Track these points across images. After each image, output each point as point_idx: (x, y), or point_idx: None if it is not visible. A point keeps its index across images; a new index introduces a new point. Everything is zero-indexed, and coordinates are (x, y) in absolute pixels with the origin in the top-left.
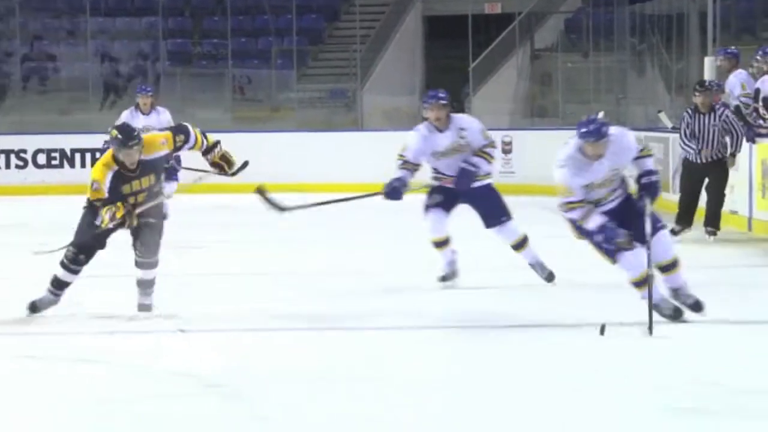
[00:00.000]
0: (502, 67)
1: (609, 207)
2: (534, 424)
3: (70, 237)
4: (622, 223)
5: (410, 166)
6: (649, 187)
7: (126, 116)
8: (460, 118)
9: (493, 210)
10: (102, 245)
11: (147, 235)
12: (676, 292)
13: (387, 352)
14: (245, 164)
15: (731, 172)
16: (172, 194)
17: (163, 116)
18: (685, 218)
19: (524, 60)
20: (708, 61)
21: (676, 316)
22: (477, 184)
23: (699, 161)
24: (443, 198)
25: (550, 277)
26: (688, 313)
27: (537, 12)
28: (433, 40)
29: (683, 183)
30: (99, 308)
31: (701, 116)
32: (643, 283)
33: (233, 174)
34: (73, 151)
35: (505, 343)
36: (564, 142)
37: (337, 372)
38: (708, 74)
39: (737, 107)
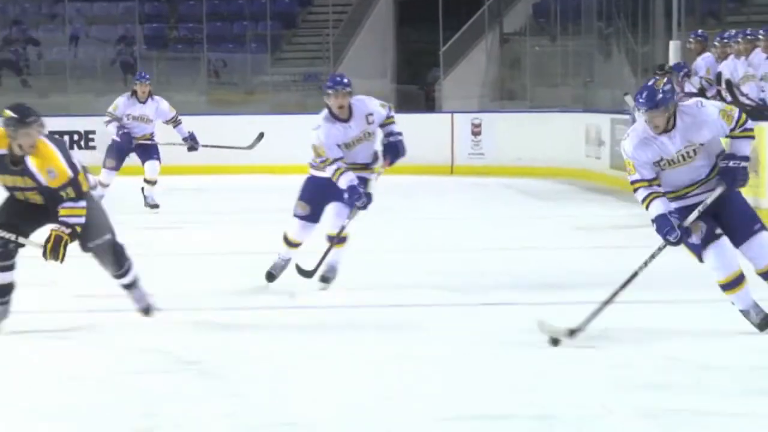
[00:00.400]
0: (471, 51)
1: (699, 199)
2: (502, 400)
3: None
4: (716, 219)
5: (342, 167)
6: (726, 173)
7: (122, 103)
8: (362, 103)
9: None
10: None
11: (103, 257)
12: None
13: (365, 330)
14: (261, 135)
15: None
16: (156, 177)
17: (162, 104)
18: None
19: (493, 44)
20: (673, 44)
21: (763, 324)
22: (367, 174)
23: None
24: (312, 207)
25: (324, 279)
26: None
27: None
28: (404, 25)
29: None
30: (75, 287)
31: None
32: (733, 285)
33: (250, 147)
34: (51, 133)
35: (481, 321)
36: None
37: (314, 350)
38: (673, 58)
39: (701, 88)
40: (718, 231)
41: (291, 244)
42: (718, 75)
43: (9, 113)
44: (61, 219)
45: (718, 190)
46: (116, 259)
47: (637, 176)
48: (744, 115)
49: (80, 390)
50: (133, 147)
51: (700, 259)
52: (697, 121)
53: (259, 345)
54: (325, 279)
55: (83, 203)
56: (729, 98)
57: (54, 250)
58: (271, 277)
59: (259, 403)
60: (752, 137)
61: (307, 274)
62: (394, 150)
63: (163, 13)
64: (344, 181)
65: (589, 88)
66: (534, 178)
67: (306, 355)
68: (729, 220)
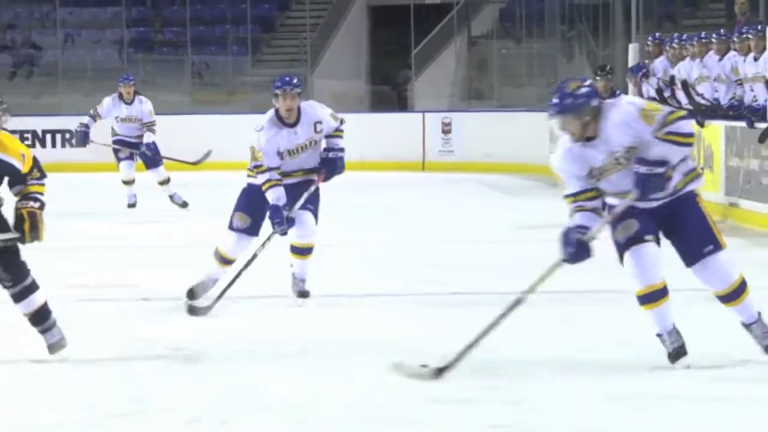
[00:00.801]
0: (441, 54)
1: (646, 206)
2: (469, 387)
3: None
4: (668, 234)
5: (275, 179)
6: (636, 181)
7: (108, 104)
8: (312, 109)
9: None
10: None
11: (6, 258)
12: (748, 327)
13: (349, 321)
14: (208, 153)
15: None
16: (165, 176)
17: (145, 106)
18: None
19: (462, 47)
20: (632, 47)
21: (675, 356)
22: (313, 177)
23: None
24: (253, 219)
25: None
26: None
27: (474, 2)
28: (377, 29)
29: None
30: (64, 277)
31: None
32: (651, 299)
33: (196, 163)
34: (44, 131)
35: (453, 310)
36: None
37: (296, 337)
38: (632, 60)
39: (658, 89)
40: (649, 237)
41: (224, 260)
42: (672, 77)
43: None
44: (31, 195)
45: (629, 200)
46: (24, 267)
47: (567, 190)
48: (673, 116)
49: (68, 377)
50: (133, 143)
51: (621, 261)
52: (613, 123)
53: (243, 332)
54: (303, 294)
55: (45, 180)
56: (685, 99)
57: (34, 227)
58: (191, 294)
59: (243, 389)
60: (680, 143)
61: (200, 311)
62: (332, 166)
63: (149, 17)
64: (272, 196)
65: (552, 89)
66: (501, 173)
67: (288, 342)
68: (682, 237)
